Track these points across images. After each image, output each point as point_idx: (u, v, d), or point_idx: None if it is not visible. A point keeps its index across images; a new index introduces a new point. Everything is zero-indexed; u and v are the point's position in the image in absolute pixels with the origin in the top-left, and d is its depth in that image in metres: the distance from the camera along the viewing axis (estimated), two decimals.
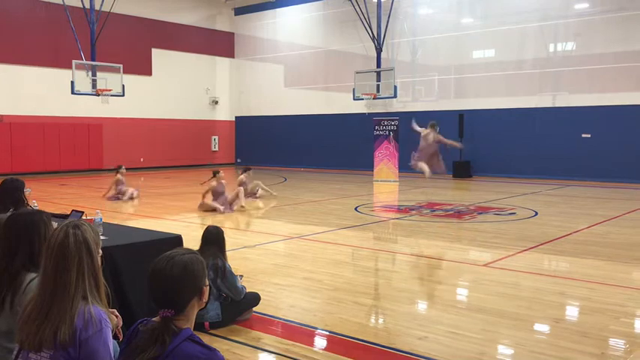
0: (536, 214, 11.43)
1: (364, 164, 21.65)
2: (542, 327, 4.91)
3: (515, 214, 11.46)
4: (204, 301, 2.08)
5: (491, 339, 4.53)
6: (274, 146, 26.36)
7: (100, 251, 2.40)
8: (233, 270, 4.93)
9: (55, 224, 2.81)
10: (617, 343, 4.49)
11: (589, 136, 18.63)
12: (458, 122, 20.29)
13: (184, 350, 1.90)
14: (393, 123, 19.30)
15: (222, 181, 11.93)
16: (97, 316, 2.20)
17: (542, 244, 8.30)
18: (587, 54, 18.94)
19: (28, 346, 2.18)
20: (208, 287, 2.10)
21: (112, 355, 2.25)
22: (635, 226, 10.17)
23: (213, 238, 4.95)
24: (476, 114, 20.52)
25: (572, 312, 5.45)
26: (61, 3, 18.48)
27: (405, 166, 18.81)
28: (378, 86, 20.31)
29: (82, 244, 2.27)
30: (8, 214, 3.14)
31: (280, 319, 5.00)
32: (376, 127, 20.13)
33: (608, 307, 5.32)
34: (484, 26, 21.01)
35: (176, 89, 25.78)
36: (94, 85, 18.82)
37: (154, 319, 2.05)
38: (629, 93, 17.98)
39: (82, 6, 18.79)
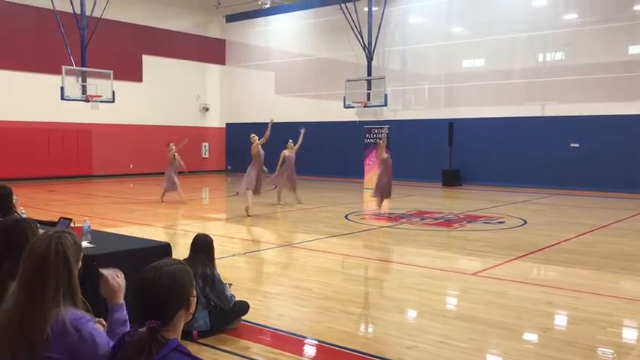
0: (525, 222, 11.49)
1: (355, 172, 21.67)
2: (529, 336, 4.93)
3: (504, 222, 11.52)
4: (191, 312, 2.07)
5: (479, 348, 4.55)
6: (265, 153, 26.23)
7: (80, 264, 2.37)
8: (222, 278, 4.91)
9: (42, 232, 2.79)
10: (604, 353, 4.52)
11: (577, 145, 18.79)
12: (448, 131, 20.40)
13: None
14: (383, 131, 19.34)
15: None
16: (70, 318, 2.17)
17: (530, 253, 8.34)
18: (575, 64, 19.12)
19: (2, 357, 2.16)
20: (196, 298, 2.09)
21: (105, 342, 2.23)
22: (623, 235, 10.25)
23: (203, 246, 4.92)
24: (465, 123, 20.63)
25: (559, 321, 5.47)
26: (52, 9, 18.42)
27: (396, 175, 18.84)
28: (368, 94, 20.37)
29: (61, 261, 2.23)
30: None
31: (269, 327, 4.98)
32: (367, 135, 20.20)
33: (595, 316, 5.34)
34: (474, 36, 21.16)
35: (167, 96, 25.71)
36: (84, 91, 18.74)
37: (140, 329, 2.04)
38: (617, 103, 18.17)
39: (72, 12, 18.73)
